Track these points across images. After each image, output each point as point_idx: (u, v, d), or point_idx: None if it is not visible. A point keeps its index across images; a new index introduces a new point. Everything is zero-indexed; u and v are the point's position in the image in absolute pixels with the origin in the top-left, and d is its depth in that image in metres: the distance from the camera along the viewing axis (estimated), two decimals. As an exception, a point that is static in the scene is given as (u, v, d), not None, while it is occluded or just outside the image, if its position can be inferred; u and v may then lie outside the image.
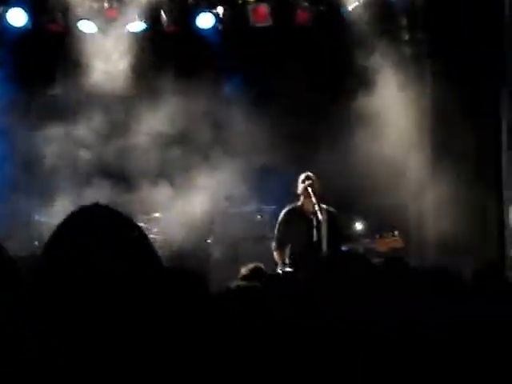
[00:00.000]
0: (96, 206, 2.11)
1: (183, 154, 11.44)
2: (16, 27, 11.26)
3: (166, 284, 2.12)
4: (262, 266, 7.18)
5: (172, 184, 11.24)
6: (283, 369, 2.94)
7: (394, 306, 3.34)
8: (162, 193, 11.19)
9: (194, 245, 10.96)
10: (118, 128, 11.43)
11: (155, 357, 2.05)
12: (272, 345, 3.22)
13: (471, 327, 3.49)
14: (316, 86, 11.39)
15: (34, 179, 11.46)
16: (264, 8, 11.37)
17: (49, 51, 11.51)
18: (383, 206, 10.65)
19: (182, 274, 4.53)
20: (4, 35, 11.39)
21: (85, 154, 11.48)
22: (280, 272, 8.80)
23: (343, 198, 10.47)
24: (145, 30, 11.53)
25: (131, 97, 11.65)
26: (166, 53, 11.69)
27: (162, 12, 11.39)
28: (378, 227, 9.79)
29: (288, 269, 8.87)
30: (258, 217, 11.08)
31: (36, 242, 10.47)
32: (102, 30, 11.42)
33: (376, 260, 9.03)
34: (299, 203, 9.17)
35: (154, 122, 11.34)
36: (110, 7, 11.27)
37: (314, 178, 9.07)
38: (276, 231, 9.26)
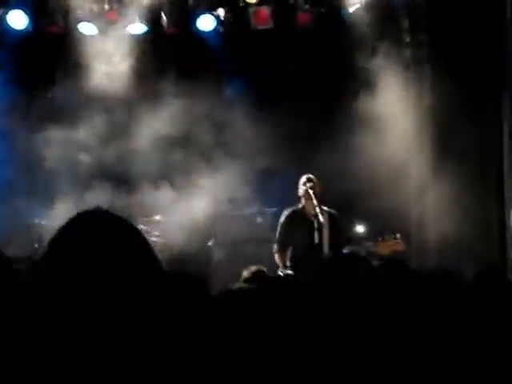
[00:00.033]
0: (96, 210, 2.10)
1: (184, 156, 11.43)
2: (16, 29, 11.25)
3: (165, 287, 2.11)
4: (264, 268, 7.16)
5: (173, 186, 11.23)
6: (284, 370, 2.94)
7: (394, 307, 3.34)
8: (163, 195, 11.18)
9: (195, 248, 10.95)
10: (119, 130, 11.42)
11: (154, 358, 2.05)
12: (273, 346, 3.23)
13: (472, 328, 3.49)
14: (317, 89, 11.40)
15: (34, 182, 11.44)
16: (265, 10, 11.36)
17: (49, 53, 11.51)
18: (385, 209, 10.63)
19: (182, 278, 4.52)
20: (4, 37, 11.38)
21: (85, 157, 11.47)
22: (281, 274, 8.78)
23: (344, 200, 10.46)
24: (145, 33, 11.53)
25: (132, 99, 11.65)
26: (167, 55, 11.70)
27: (163, 14, 11.38)
28: (380, 230, 9.77)
29: (289, 271, 8.86)
30: (260, 219, 11.07)
31: (36, 245, 10.46)
32: (103, 32, 11.41)
33: (377, 263, 9.04)
34: (300, 205, 9.16)
35: (155, 124, 11.34)
36: (111, 9, 11.27)
37: (315, 180, 9.06)
38: (277, 233, 9.25)
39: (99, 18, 11.32)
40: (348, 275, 3.15)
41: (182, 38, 11.67)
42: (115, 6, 11.32)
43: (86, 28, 11.35)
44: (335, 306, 3.05)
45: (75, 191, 11.07)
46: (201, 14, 11.43)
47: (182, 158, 11.44)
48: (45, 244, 2.11)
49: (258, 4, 11.36)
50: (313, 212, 8.86)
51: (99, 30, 11.39)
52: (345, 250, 8.72)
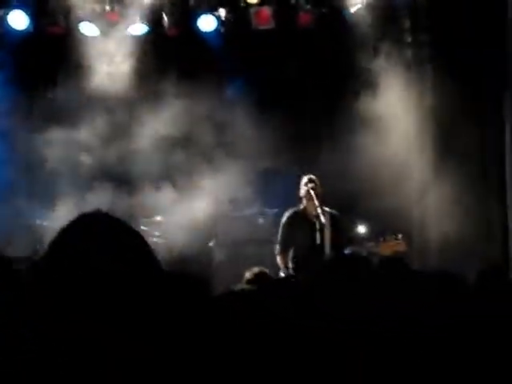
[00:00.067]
0: (97, 213, 2.10)
1: (185, 157, 11.43)
2: (17, 30, 11.24)
3: (165, 288, 2.10)
4: (266, 270, 7.15)
5: (174, 187, 11.22)
6: (284, 370, 2.94)
7: (395, 307, 3.34)
8: (164, 196, 11.18)
9: (196, 248, 10.94)
10: (120, 131, 11.41)
11: (155, 358, 2.05)
12: (274, 347, 3.23)
13: (474, 328, 3.49)
14: (318, 89, 11.39)
15: (35, 182, 11.44)
16: (266, 10, 11.35)
17: (50, 54, 11.50)
18: (386, 209, 10.62)
19: (184, 278, 4.52)
20: (5, 38, 11.36)
21: (87, 157, 11.46)
22: (283, 275, 8.77)
23: (346, 201, 10.45)
24: (146, 33, 11.52)
25: (133, 100, 11.64)
26: (168, 56, 11.69)
27: (164, 14, 11.37)
28: (381, 230, 9.77)
29: (291, 273, 8.85)
30: (261, 220, 11.06)
31: (37, 246, 10.44)
32: (104, 33, 11.41)
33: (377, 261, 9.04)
34: (302, 206, 9.14)
35: (157, 124, 11.33)
36: (112, 10, 11.26)
37: (316, 181, 9.05)
38: (279, 235, 9.23)
39: (100, 18, 11.32)
40: (349, 276, 3.14)
41: (183, 39, 11.66)
42: (116, 6, 11.31)
43: (87, 28, 11.34)
44: (336, 307, 3.05)
45: (76, 192, 11.06)
46: (202, 14, 11.41)
47: (183, 158, 11.43)
48: (46, 245, 2.11)
49: (259, 4, 11.35)
50: (314, 213, 8.85)
51: (100, 31, 11.39)
52: (346, 251, 8.71)
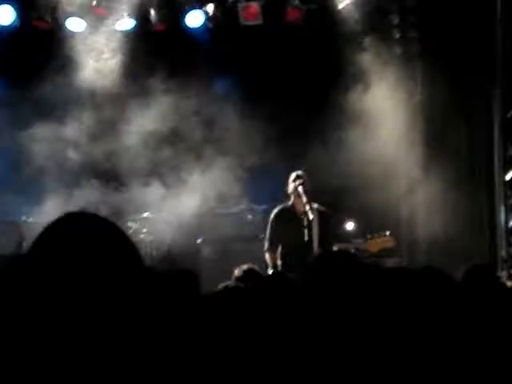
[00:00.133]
0: (82, 212, 2.07)
1: (173, 153, 11.40)
2: (3, 25, 11.17)
3: (150, 287, 2.08)
4: (255, 267, 7.12)
5: (162, 183, 11.18)
6: (276, 367, 2.91)
7: (383, 303, 3.32)
8: (151, 193, 11.15)
9: (183, 245, 10.93)
10: (108, 127, 11.38)
11: (147, 356, 2.04)
12: (266, 344, 3.21)
13: (461, 327, 3.46)
14: (307, 85, 11.36)
15: (22, 179, 11.38)
16: (255, 6, 11.33)
17: (37, 49, 11.45)
18: (374, 206, 10.63)
19: (175, 273, 4.49)
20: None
21: (74, 153, 11.41)
22: (272, 273, 8.74)
23: (334, 197, 10.45)
24: (134, 29, 11.47)
25: (121, 96, 11.58)
26: (156, 51, 11.65)
27: (151, 10, 11.33)
28: (370, 227, 9.77)
29: (280, 270, 8.83)
30: (249, 216, 11.04)
31: (24, 243, 10.38)
32: (91, 28, 11.36)
33: (367, 260, 9.04)
34: (290, 203, 9.12)
35: (144, 120, 11.30)
36: (99, 5, 11.20)
37: (304, 178, 9.02)
38: (267, 232, 9.21)
39: (87, 13, 11.27)
40: (338, 273, 3.12)
41: (170, 34, 11.63)
42: (103, 2, 11.26)
43: (74, 24, 11.28)
44: (325, 304, 3.02)
45: (63, 188, 11.02)
46: (190, 9, 11.38)
47: (170, 154, 11.40)
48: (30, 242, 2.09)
49: (247, 0, 11.32)
50: (302, 209, 8.83)
51: (87, 26, 11.34)
52: (334, 248, 8.69)
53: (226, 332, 3.76)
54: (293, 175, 9.08)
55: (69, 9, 11.17)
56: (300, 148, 11.19)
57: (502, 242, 10.96)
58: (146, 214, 11.21)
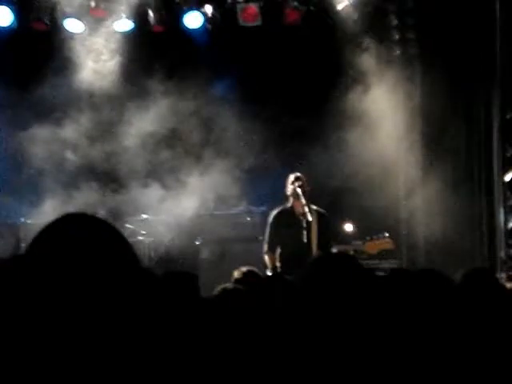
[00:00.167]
0: (81, 213, 2.06)
1: (172, 154, 11.39)
2: (1, 26, 11.16)
3: (150, 291, 2.07)
4: (255, 269, 7.10)
5: (161, 185, 11.17)
6: (276, 366, 2.92)
7: (382, 305, 3.32)
8: (150, 194, 11.13)
9: (182, 246, 10.92)
10: (107, 128, 11.37)
11: (144, 357, 2.03)
12: (263, 346, 3.21)
13: (460, 328, 3.46)
14: (305, 86, 11.35)
15: (21, 180, 11.38)
16: (253, 7, 11.32)
17: (35, 50, 11.42)
18: (373, 207, 10.63)
19: (174, 275, 4.49)
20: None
21: (73, 155, 11.40)
22: (271, 275, 8.73)
23: (333, 199, 10.44)
24: (133, 30, 11.46)
25: (120, 97, 11.56)
26: (155, 53, 11.64)
27: (150, 11, 11.32)
28: (369, 228, 9.76)
29: (279, 271, 8.82)
30: (248, 218, 11.02)
31: (23, 245, 10.37)
32: (90, 30, 11.34)
33: (366, 262, 9.05)
34: (289, 204, 9.10)
35: (143, 122, 11.29)
36: (97, 6, 11.18)
37: (303, 179, 9.01)
38: (266, 233, 9.20)
39: (85, 14, 11.25)
40: (336, 275, 3.11)
41: (169, 36, 11.62)
42: (102, 3, 11.25)
43: (72, 25, 11.27)
44: (324, 306, 3.01)
45: (62, 190, 11.01)
46: (188, 10, 11.37)
47: (169, 156, 11.39)
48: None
49: (246, 1, 11.32)
50: (301, 211, 8.82)
51: (86, 27, 11.33)
52: (334, 250, 8.69)
53: (224, 334, 3.76)
54: (291, 177, 9.07)
55: (67, 10, 11.16)
56: (299, 149, 11.18)
57: (501, 244, 10.95)
58: (144, 216, 11.19)
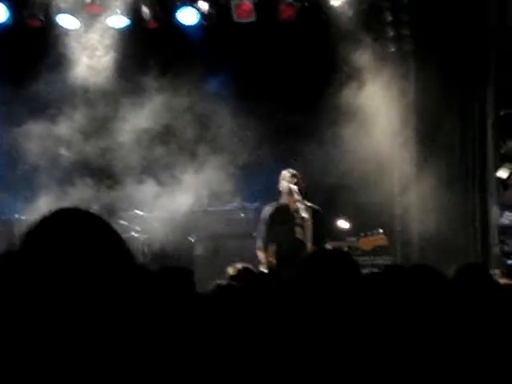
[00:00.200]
0: (73, 208, 2.05)
1: (167, 150, 11.39)
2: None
3: (143, 287, 2.07)
4: (249, 265, 7.11)
5: (156, 181, 11.17)
6: (270, 365, 2.92)
7: (376, 301, 3.33)
8: (145, 190, 11.13)
9: (176, 243, 10.91)
10: (102, 124, 11.36)
11: (139, 352, 2.03)
12: (257, 342, 3.21)
13: (454, 324, 3.47)
14: (300, 83, 11.35)
15: (15, 176, 11.36)
16: (248, 4, 11.31)
17: (30, 47, 11.40)
18: (368, 203, 10.63)
19: (170, 270, 4.49)
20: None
21: (67, 151, 11.39)
22: (265, 271, 8.74)
23: (327, 195, 10.44)
24: (127, 26, 11.45)
25: (115, 93, 11.54)
26: (149, 49, 11.62)
27: (144, 7, 11.30)
28: (363, 225, 9.77)
29: (273, 268, 8.82)
30: (241, 214, 11.03)
31: (16, 241, 10.34)
32: (85, 26, 11.33)
33: (360, 258, 9.06)
34: (283, 201, 9.10)
35: (138, 118, 11.27)
36: (92, 2, 11.17)
37: (297, 175, 9.01)
38: (260, 230, 9.19)
39: (80, 11, 11.24)
40: (331, 271, 3.12)
41: (164, 32, 11.60)
42: (97, -1, 11.24)
43: (66, 21, 11.25)
44: (318, 302, 3.02)
45: (57, 186, 11.00)
46: (183, 6, 11.36)
47: (164, 152, 11.39)
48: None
49: (240, -3, 11.31)
50: (295, 207, 8.82)
51: (80, 24, 11.31)
52: (328, 246, 8.69)
53: (219, 329, 3.76)
54: (286, 173, 9.06)
55: (62, 6, 11.14)
56: (293, 146, 11.18)
57: (494, 240, 10.98)
58: (139, 212, 11.19)
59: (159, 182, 11.13)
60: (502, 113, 10.99)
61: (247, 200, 11.20)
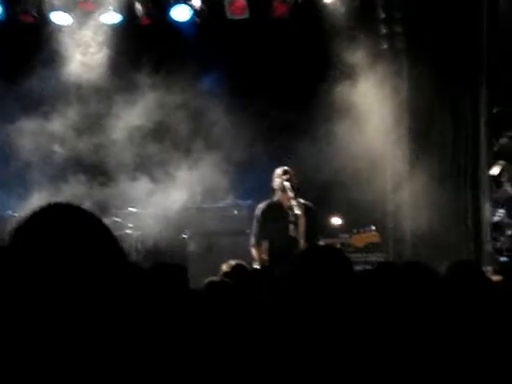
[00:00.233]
0: (63, 203, 2.03)
1: (160, 147, 11.38)
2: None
3: (134, 284, 2.06)
4: (243, 262, 7.12)
5: (149, 178, 11.16)
6: (261, 360, 2.91)
7: (369, 297, 3.34)
8: (138, 187, 11.12)
9: (170, 240, 10.90)
10: (95, 121, 11.35)
11: (131, 349, 2.02)
12: (250, 338, 3.22)
13: (445, 321, 3.48)
14: (293, 80, 11.35)
15: (8, 173, 11.35)
16: (241, 0, 11.30)
17: (23, 43, 11.38)
18: (361, 201, 10.65)
19: (164, 266, 4.50)
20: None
21: (61, 148, 11.37)
22: (258, 268, 8.74)
23: (321, 193, 10.45)
24: (120, 23, 11.43)
25: (108, 90, 11.53)
26: (142, 46, 11.60)
27: (137, 4, 11.29)
28: (356, 222, 9.78)
29: (266, 265, 8.82)
30: (235, 211, 11.03)
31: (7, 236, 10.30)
32: (77, 22, 11.31)
33: (353, 255, 9.07)
34: (276, 198, 9.10)
35: (131, 115, 11.26)
36: (85, 0, 11.16)
37: (291, 173, 9.01)
38: (253, 226, 9.19)
39: (73, 7, 11.22)
40: (323, 268, 3.13)
41: (157, 28, 11.59)
42: (90, -5, 11.22)
43: (59, 17, 11.24)
44: (311, 299, 3.03)
45: (50, 183, 10.99)
46: (176, 3, 11.35)
47: (157, 149, 11.38)
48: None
49: (234, -6, 11.31)
50: (288, 204, 8.82)
51: (73, 20, 11.29)
52: (321, 243, 8.69)
53: (210, 325, 3.76)
54: (279, 170, 9.06)
55: (55, 3, 11.12)
56: (287, 143, 11.18)
57: (486, 237, 11.01)
58: (132, 209, 11.18)
59: (152, 179, 11.12)
60: (494, 110, 11.01)
61: (240, 197, 11.20)
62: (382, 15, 11.43)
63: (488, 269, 9.18)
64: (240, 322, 3.85)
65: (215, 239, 10.74)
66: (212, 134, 11.42)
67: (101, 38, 11.40)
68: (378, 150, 11.03)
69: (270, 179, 9.13)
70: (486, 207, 11.05)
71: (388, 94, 11.31)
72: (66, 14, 11.23)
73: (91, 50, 11.47)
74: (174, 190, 10.94)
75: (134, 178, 11.17)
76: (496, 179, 10.93)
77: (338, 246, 8.68)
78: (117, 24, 11.43)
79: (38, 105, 11.22)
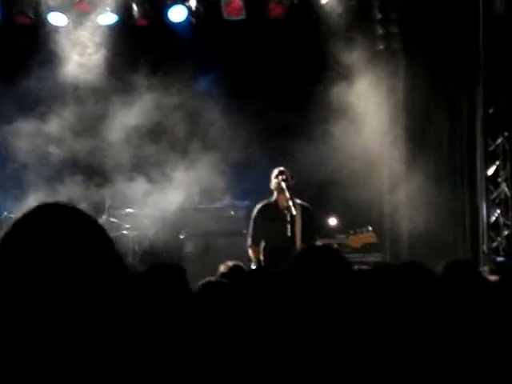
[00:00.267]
0: (56, 203, 2.02)
1: (157, 148, 11.38)
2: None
3: (128, 285, 2.04)
4: (241, 263, 7.12)
5: (146, 179, 11.16)
6: (258, 360, 2.91)
7: (365, 297, 3.34)
8: (135, 188, 11.11)
9: (166, 240, 10.90)
10: (91, 122, 11.34)
11: (128, 350, 2.01)
12: (247, 338, 3.21)
13: (442, 320, 3.49)
14: (290, 81, 11.35)
15: (4, 174, 11.33)
16: (238, 1, 11.30)
17: (20, 44, 11.36)
18: (357, 201, 10.65)
19: (163, 267, 4.49)
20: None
21: (57, 148, 11.36)
22: (256, 268, 8.74)
23: (318, 193, 10.45)
24: (117, 24, 11.43)
25: (105, 90, 11.52)
26: (139, 46, 11.60)
27: (134, 4, 11.29)
28: (353, 222, 9.78)
29: (263, 265, 8.83)
30: (232, 212, 11.03)
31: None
32: (74, 23, 11.30)
33: (350, 255, 9.07)
34: (273, 198, 9.11)
35: (128, 116, 11.25)
36: (81, 1, 11.14)
37: (287, 173, 9.02)
38: (250, 227, 9.20)
39: (70, 8, 11.22)
40: (320, 268, 3.13)
41: (153, 29, 11.58)
42: (86, -4, 11.22)
43: (56, 18, 11.23)
44: (307, 299, 3.03)
45: (47, 184, 10.97)
46: (172, 4, 11.35)
47: (154, 150, 11.37)
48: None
49: (230, -5, 11.31)
50: (285, 205, 8.82)
51: (70, 21, 11.29)
52: (317, 243, 8.69)
53: (206, 326, 3.77)
54: (275, 171, 9.07)
55: (51, 4, 11.11)
56: (283, 144, 11.19)
57: (483, 237, 11.02)
58: (129, 210, 11.18)
59: (149, 180, 11.12)
60: (490, 110, 11.02)
61: (237, 198, 11.20)
62: (379, 16, 11.44)
63: (485, 269, 9.19)
64: (237, 322, 3.85)
65: (212, 240, 10.74)
66: (209, 134, 11.42)
67: (97, 38, 11.40)
68: (374, 151, 11.04)
69: (266, 180, 9.13)
70: (483, 207, 11.06)
71: (384, 94, 11.32)
72: (62, 15, 11.22)
73: (88, 50, 11.46)
74: (170, 191, 10.94)
75: (130, 179, 11.16)
76: (493, 180, 10.95)
77: (335, 246, 8.68)
78: (113, 25, 11.42)
79: (35, 106, 11.22)
